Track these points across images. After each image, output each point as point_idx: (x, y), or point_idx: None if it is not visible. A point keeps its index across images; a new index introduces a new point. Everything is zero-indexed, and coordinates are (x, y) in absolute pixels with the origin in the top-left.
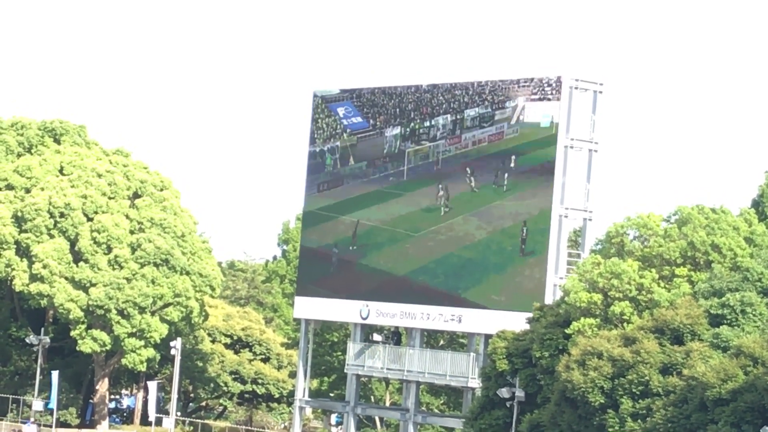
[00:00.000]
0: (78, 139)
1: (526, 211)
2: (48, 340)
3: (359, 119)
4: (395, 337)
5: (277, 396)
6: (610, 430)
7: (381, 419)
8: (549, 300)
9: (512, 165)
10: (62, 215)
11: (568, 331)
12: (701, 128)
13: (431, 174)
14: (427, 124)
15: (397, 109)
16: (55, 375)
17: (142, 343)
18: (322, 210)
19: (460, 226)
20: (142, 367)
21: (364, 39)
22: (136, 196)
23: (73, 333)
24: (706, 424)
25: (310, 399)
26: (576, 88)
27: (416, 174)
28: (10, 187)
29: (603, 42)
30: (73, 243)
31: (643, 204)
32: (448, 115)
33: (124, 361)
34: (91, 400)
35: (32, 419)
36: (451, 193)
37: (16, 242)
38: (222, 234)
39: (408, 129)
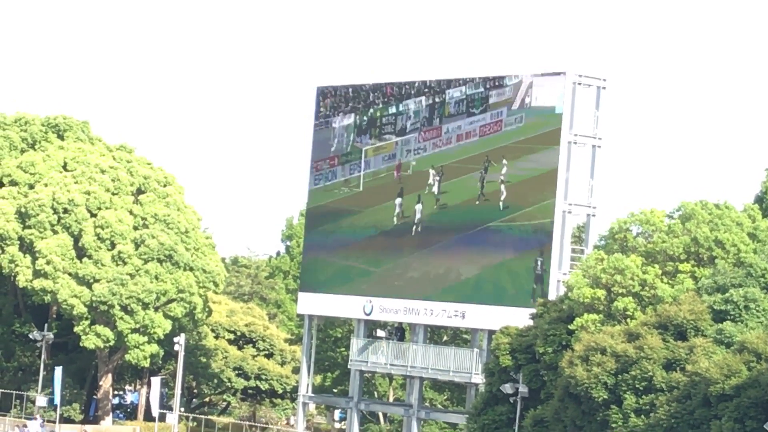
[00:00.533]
0: (81, 135)
1: (535, 238)
2: (51, 335)
3: None
4: (399, 332)
5: (280, 392)
6: (613, 425)
7: (384, 415)
8: (552, 296)
9: (513, 170)
10: (66, 211)
11: (571, 326)
12: (704, 124)
13: (397, 181)
14: (392, 110)
15: (350, 90)
16: (58, 371)
17: (146, 338)
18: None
19: (439, 259)
20: (146, 363)
21: (371, 35)
22: (140, 192)
23: (76, 329)
24: (710, 420)
25: (313, 395)
26: (579, 83)
27: (377, 181)
28: (13, 183)
29: (606, 38)
30: (76, 239)
31: (647, 200)
32: (423, 98)
33: (127, 356)
34: (94, 396)
35: (37, 415)
36: (426, 209)
37: (20, 238)
38: (225, 230)
39: (365, 118)
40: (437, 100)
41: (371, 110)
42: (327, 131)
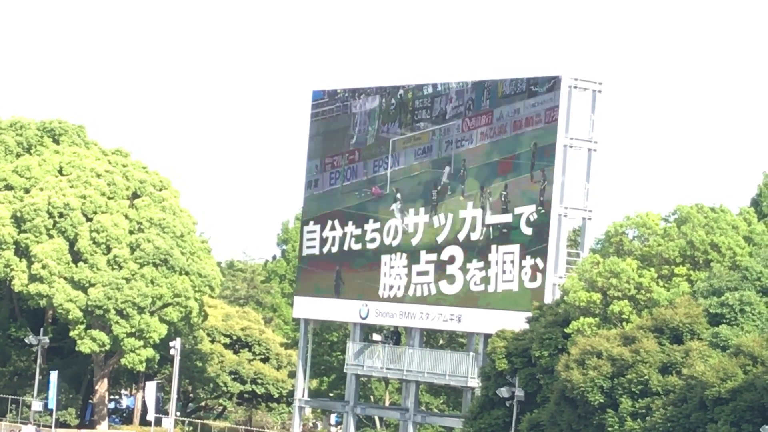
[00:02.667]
0: (77, 139)
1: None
2: (47, 340)
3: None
4: (394, 336)
5: (276, 396)
6: (609, 429)
7: (380, 419)
8: (548, 299)
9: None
10: (61, 215)
11: (567, 330)
12: (700, 127)
13: (434, 183)
14: (428, 90)
15: (346, 93)
16: (54, 375)
17: (142, 343)
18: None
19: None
20: (142, 368)
21: (364, 38)
22: (135, 196)
23: (72, 333)
24: (706, 424)
25: (309, 399)
26: (575, 87)
27: (408, 183)
28: (9, 188)
29: (602, 41)
30: (72, 243)
31: (643, 203)
32: (468, 81)
33: (123, 361)
34: (90, 401)
35: (32, 420)
36: (465, 223)
37: (16, 242)
38: (221, 234)
39: (394, 100)
40: (487, 80)
41: (401, 92)
42: (345, 117)
